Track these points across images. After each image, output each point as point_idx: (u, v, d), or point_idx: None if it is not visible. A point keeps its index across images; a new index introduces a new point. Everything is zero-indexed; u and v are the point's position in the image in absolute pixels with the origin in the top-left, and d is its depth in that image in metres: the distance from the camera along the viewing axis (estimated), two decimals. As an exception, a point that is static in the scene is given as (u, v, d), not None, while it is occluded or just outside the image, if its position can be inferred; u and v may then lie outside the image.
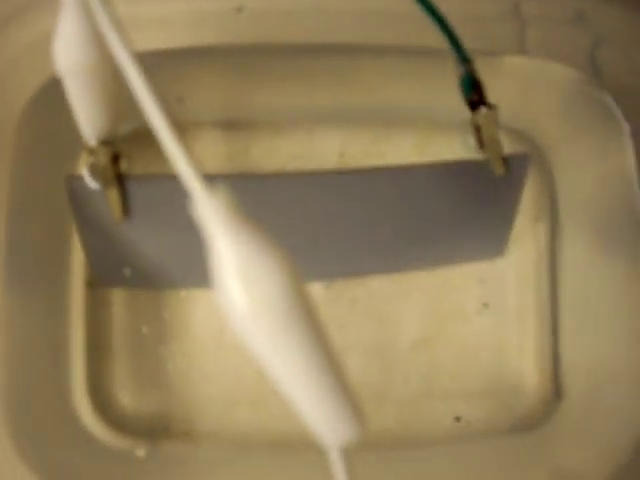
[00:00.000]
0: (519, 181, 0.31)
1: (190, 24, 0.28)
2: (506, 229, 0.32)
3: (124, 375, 0.32)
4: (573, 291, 0.33)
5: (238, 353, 0.33)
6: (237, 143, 0.33)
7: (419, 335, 0.33)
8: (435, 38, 0.27)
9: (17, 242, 0.28)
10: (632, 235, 0.31)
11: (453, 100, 0.29)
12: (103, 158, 0.26)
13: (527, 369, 0.33)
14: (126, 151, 0.28)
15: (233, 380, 0.32)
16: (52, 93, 0.28)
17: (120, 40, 0.17)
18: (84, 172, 0.27)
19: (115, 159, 0.27)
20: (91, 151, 0.26)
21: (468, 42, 0.27)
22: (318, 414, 0.17)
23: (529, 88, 0.31)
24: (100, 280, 0.31)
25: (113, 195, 0.28)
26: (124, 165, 0.28)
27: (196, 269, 0.31)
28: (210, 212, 0.16)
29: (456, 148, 0.33)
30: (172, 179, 0.29)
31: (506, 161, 0.30)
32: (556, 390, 0.33)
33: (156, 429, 0.32)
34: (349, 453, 0.18)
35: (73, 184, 0.28)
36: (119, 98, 0.25)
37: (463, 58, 0.26)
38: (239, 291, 0.16)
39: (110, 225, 0.29)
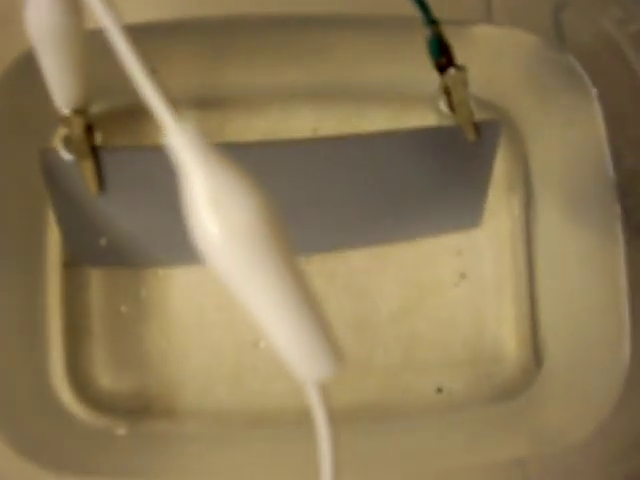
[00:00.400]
0: (492, 147, 0.31)
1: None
2: (481, 198, 0.33)
3: (103, 355, 0.32)
4: (549, 259, 0.33)
5: (217, 331, 0.33)
6: (211, 120, 0.33)
7: (398, 307, 0.33)
8: (401, 6, 0.28)
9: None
10: (604, 200, 0.31)
11: (425, 73, 0.29)
12: (77, 129, 0.26)
13: (506, 337, 0.34)
14: (100, 126, 0.28)
15: (212, 358, 0.32)
16: (24, 68, 0.28)
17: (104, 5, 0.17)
18: (58, 145, 0.27)
19: (89, 130, 0.27)
20: (65, 121, 0.26)
21: (434, 11, 0.28)
22: (293, 347, 0.17)
23: (496, 57, 0.32)
24: (76, 257, 0.31)
25: (88, 168, 0.28)
26: (98, 137, 0.28)
27: (174, 245, 0.31)
28: (181, 141, 0.16)
29: (430, 121, 0.34)
30: (148, 151, 0.30)
31: (478, 127, 0.30)
32: (535, 356, 0.33)
33: (136, 408, 0.32)
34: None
35: (47, 157, 0.28)
36: (92, 71, 0.25)
37: (430, 20, 0.27)
38: (211, 218, 0.16)
39: (85, 199, 0.29)
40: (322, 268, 0.33)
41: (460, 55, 0.29)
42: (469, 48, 0.31)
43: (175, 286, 0.32)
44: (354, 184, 0.32)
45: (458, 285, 0.34)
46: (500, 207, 0.34)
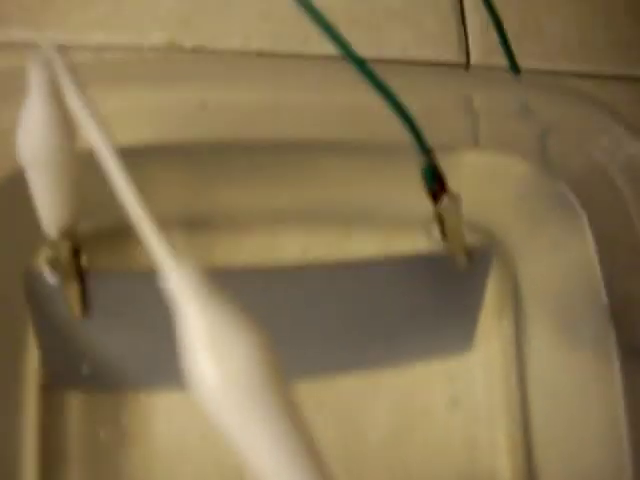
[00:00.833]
0: (483, 274, 0.31)
1: (153, 120, 0.28)
2: (472, 323, 0.32)
3: (79, 484, 0.30)
4: (542, 384, 0.33)
5: (201, 461, 0.31)
6: (199, 242, 0.33)
7: (389, 435, 0.32)
8: (393, 132, 0.28)
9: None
10: (597, 325, 0.31)
11: (415, 196, 0.29)
12: (64, 252, 0.26)
13: (500, 466, 0.33)
14: (86, 247, 0.28)
15: (195, 488, 0.31)
16: (10, 189, 0.28)
17: (98, 130, 0.17)
18: (43, 266, 0.27)
19: (76, 253, 0.26)
20: (52, 244, 0.25)
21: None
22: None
23: (486, 182, 0.32)
24: (55, 381, 0.30)
25: (73, 291, 0.27)
26: (84, 260, 0.27)
27: (157, 370, 0.31)
28: (180, 284, 0.15)
29: (420, 245, 0.33)
30: (134, 276, 0.29)
31: (469, 254, 0.30)
32: (531, 488, 0.32)
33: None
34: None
35: (32, 278, 0.27)
36: (80, 192, 0.25)
37: (424, 149, 0.27)
38: (208, 363, 0.15)
39: (68, 322, 0.28)
40: (310, 394, 0.32)
41: (450, 180, 0.29)
42: (458, 173, 0.31)
43: (157, 412, 0.31)
44: (344, 309, 0.31)
45: (450, 411, 0.33)
46: (491, 331, 0.34)
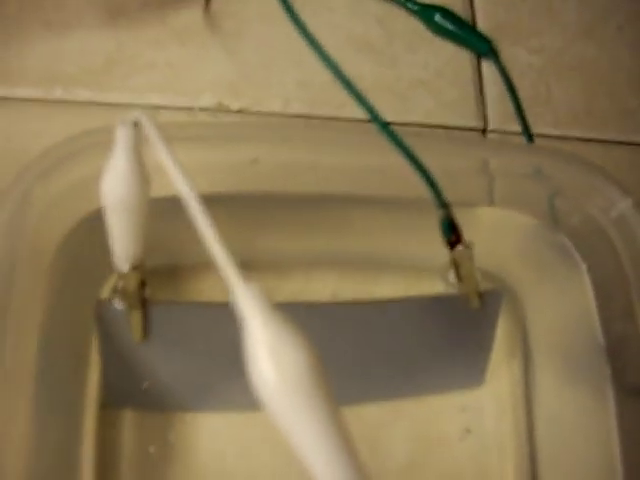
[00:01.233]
0: (494, 314, 0.35)
1: (209, 173, 0.32)
2: (484, 359, 0.36)
3: (130, 494, 0.34)
4: (547, 418, 0.36)
5: (237, 476, 0.35)
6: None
7: (407, 460, 0.36)
8: (415, 190, 0.32)
9: (46, 368, 0.31)
10: (594, 364, 0.34)
11: (433, 246, 0.33)
12: (132, 283, 0.30)
13: (509, 494, 0.36)
14: (150, 280, 0.32)
15: (233, 502, 0.34)
16: (87, 226, 0.32)
17: (184, 178, 0.21)
18: (112, 295, 0.31)
19: (142, 285, 0.31)
20: (122, 276, 0.30)
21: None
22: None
23: (498, 235, 0.36)
24: (112, 400, 0.34)
25: (136, 318, 0.31)
26: (148, 291, 0.31)
27: (204, 394, 0.35)
28: (246, 298, 0.19)
29: (438, 290, 0.37)
30: (191, 307, 0.33)
31: (482, 296, 0.34)
32: (537, 513, 0.35)
33: None
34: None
35: (102, 306, 0.31)
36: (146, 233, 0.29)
37: (442, 204, 0.31)
38: (270, 369, 0.19)
39: (129, 346, 0.32)
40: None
41: (465, 232, 0.33)
42: (473, 227, 0.35)
43: (201, 432, 0.35)
44: (367, 344, 0.35)
45: (463, 440, 0.36)
46: (501, 369, 0.37)
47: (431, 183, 0.30)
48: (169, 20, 0.44)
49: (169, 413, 0.35)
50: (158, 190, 0.27)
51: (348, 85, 0.32)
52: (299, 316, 0.33)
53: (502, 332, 0.37)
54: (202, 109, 0.42)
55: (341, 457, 0.20)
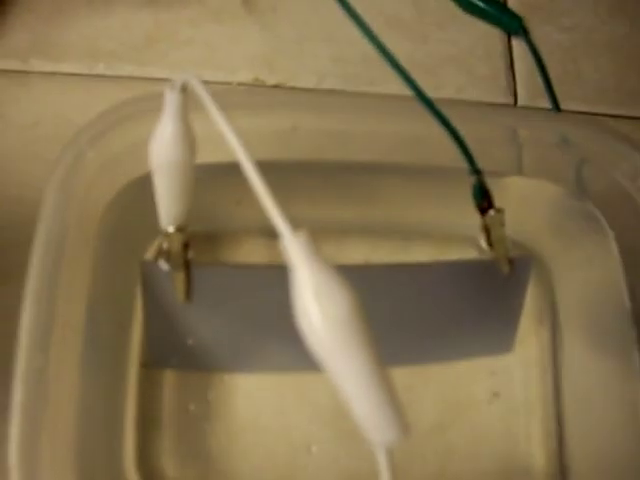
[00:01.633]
0: (524, 280, 0.36)
1: (250, 141, 0.34)
2: (513, 325, 0.37)
3: (170, 448, 0.35)
4: (574, 384, 0.37)
5: (273, 435, 0.36)
6: (276, 250, 0.38)
7: (436, 422, 0.37)
8: (446, 158, 0.33)
9: (92, 327, 0.32)
10: (622, 330, 0.35)
11: (464, 213, 0.35)
12: (176, 244, 0.31)
13: (535, 454, 0.37)
14: (193, 244, 0.33)
15: (268, 459, 0.36)
16: (128, 194, 0.33)
17: (239, 141, 0.23)
18: (158, 256, 0.32)
19: (185, 247, 0.32)
20: (167, 236, 0.31)
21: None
22: (371, 415, 0.21)
23: (526, 204, 0.37)
24: (154, 359, 0.35)
25: (180, 279, 0.33)
26: (191, 253, 0.33)
27: (242, 355, 0.36)
28: (294, 246, 0.21)
29: (469, 257, 0.38)
30: (233, 269, 0.35)
31: (512, 261, 0.35)
32: (562, 472, 0.36)
33: (196, 499, 0.35)
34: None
35: (147, 267, 0.33)
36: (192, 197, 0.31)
37: (475, 170, 0.32)
38: (315, 311, 0.20)
39: (173, 306, 0.33)
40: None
41: (495, 201, 0.34)
42: (503, 196, 0.36)
43: (238, 392, 0.36)
44: (400, 308, 0.36)
45: (492, 403, 0.37)
46: (530, 336, 0.38)
47: (464, 149, 0.31)
48: (206, 0, 0.45)
49: (208, 373, 0.36)
50: (200, 158, 0.28)
51: (392, 61, 0.33)
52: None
53: (531, 299, 0.38)
54: (239, 84, 0.43)
55: (381, 394, 0.21)
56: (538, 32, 0.47)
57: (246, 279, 0.34)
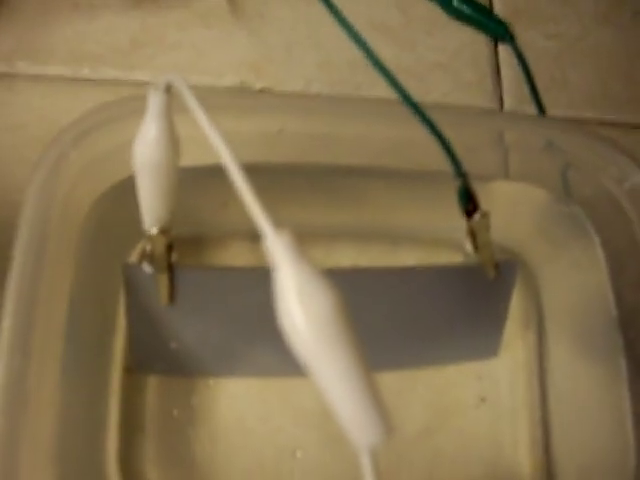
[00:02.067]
0: (509, 284, 0.35)
1: (236, 143, 0.34)
2: (499, 330, 0.37)
3: (153, 453, 0.35)
4: (560, 388, 0.37)
5: (258, 439, 0.36)
6: (262, 253, 0.38)
7: (424, 426, 0.37)
8: (432, 162, 0.33)
9: (74, 330, 0.32)
10: (608, 337, 0.35)
11: (450, 217, 0.34)
12: (159, 246, 0.31)
13: (521, 459, 0.37)
14: (180, 247, 0.33)
15: (254, 464, 0.35)
16: (112, 196, 0.33)
17: (218, 137, 0.22)
18: (140, 259, 0.32)
19: (169, 249, 0.32)
20: (150, 238, 0.31)
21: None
22: (354, 416, 0.21)
23: (512, 208, 0.37)
24: (138, 364, 0.35)
25: (163, 281, 0.32)
26: (175, 256, 0.32)
27: (226, 359, 0.36)
28: (276, 246, 0.21)
29: (455, 261, 0.38)
30: (217, 272, 0.34)
31: (497, 266, 0.35)
32: (548, 477, 0.36)
33: (180, 505, 0.34)
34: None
35: (131, 270, 0.32)
36: (176, 199, 0.30)
37: (460, 173, 0.32)
38: (298, 310, 0.20)
39: (156, 309, 0.33)
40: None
41: (481, 205, 0.34)
42: (489, 200, 0.36)
43: (223, 396, 0.36)
44: (386, 313, 0.36)
45: (478, 408, 0.37)
46: (516, 340, 0.38)
47: (450, 152, 0.31)
48: (193, 4, 0.45)
49: (192, 378, 0.36)
50: (185, 160, 0.28)
51: (379, 66, 0.33)
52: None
53: (516, 304, 0.38)
54: (225, 89, 0.43)
55: (365, 395, 0.21)
56: (524, 38, 0.47)
57: (230, 282, 0.34)
